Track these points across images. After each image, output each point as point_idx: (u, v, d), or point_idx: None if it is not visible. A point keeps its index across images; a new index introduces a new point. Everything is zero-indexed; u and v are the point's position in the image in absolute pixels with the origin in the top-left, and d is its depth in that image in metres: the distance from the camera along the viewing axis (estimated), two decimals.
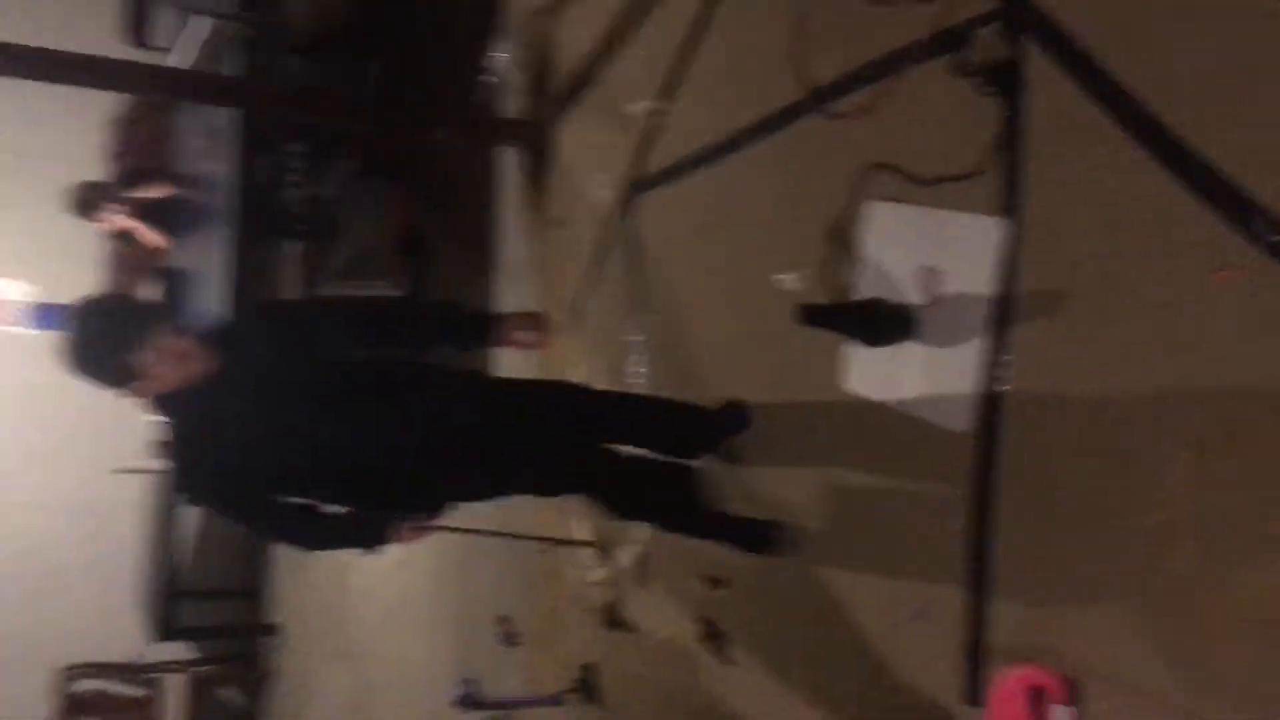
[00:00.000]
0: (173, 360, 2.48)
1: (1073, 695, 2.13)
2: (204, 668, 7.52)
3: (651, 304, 3.63)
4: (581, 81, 4.07)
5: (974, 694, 2.36)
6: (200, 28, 5.16)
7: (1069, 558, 2.17)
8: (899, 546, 2.60)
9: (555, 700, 3.84)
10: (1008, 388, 2.33)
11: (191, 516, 7.91)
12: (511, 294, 4.60)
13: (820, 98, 2.85)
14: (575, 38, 4.14)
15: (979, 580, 2.37)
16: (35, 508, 8.23)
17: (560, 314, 4.13)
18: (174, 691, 7.37)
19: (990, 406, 2.36)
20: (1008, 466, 2.33)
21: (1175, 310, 2.00)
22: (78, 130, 7.75)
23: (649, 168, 3.65)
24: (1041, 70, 2.29)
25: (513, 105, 4.57)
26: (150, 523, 7.64)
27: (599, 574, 3.79)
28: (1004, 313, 2.34)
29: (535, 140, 4.34)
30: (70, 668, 7.30)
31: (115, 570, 8.09)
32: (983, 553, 2.36)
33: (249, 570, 8.24)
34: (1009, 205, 2.35)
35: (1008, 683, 2.26)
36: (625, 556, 3.65)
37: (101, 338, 2.47)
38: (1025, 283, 2.31)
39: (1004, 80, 2.37)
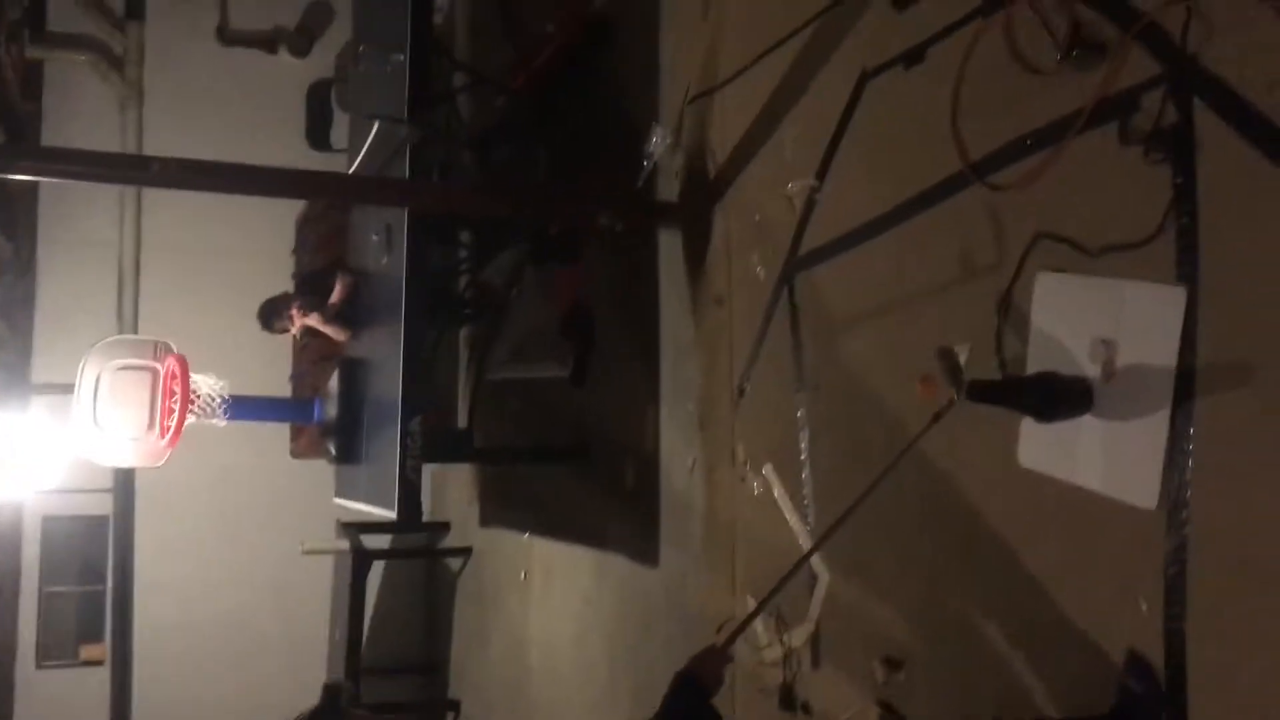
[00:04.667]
0: None
1: None
2: None
3: (815, 381, 3.61)
4: (737, 162, 4.13)
5: None
6: (375, 130, 5.45)
7: (1272, 640, 2.05)
8: (1086, 629, 2.49)
9: None
10: (1194, 461, 2.23)
11: (374, 594, 8.19)
12: (675, 372, 4.65)
13: (981, 169, 2.82)
14: (730, 120, 4.21)
15: (1175, 664, 2.25)
16: (235, 584, 8.69)
17: (724, 391, 4.16)
18: None
19: (1177, 481, 2.26)
20: (1199, 543, 2.22)
21: None
22: (263, 229, 8.29)
23: (807, 245, 3.66)
24: (1212, 132, 2.22)
25: (671, 188, 4.66)
26: (336, 601, 7.95)
27: (773, 653, 3.74)
28: (1186, 384, 2.25)
29: (693, 221, 4.41)
30: None
31: (305, 645, 8.44)
32: (1178, 637, 2.25)
33: (430, 647, 8.45)
34: (1185, 272, 2.26)
35: None
36: (798, 636, 3.60)
37: None
38: (1206, 353, 2.22)
39: (1174, 144, 2.30)
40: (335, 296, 5.85)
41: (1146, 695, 2.31)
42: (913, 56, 3.13)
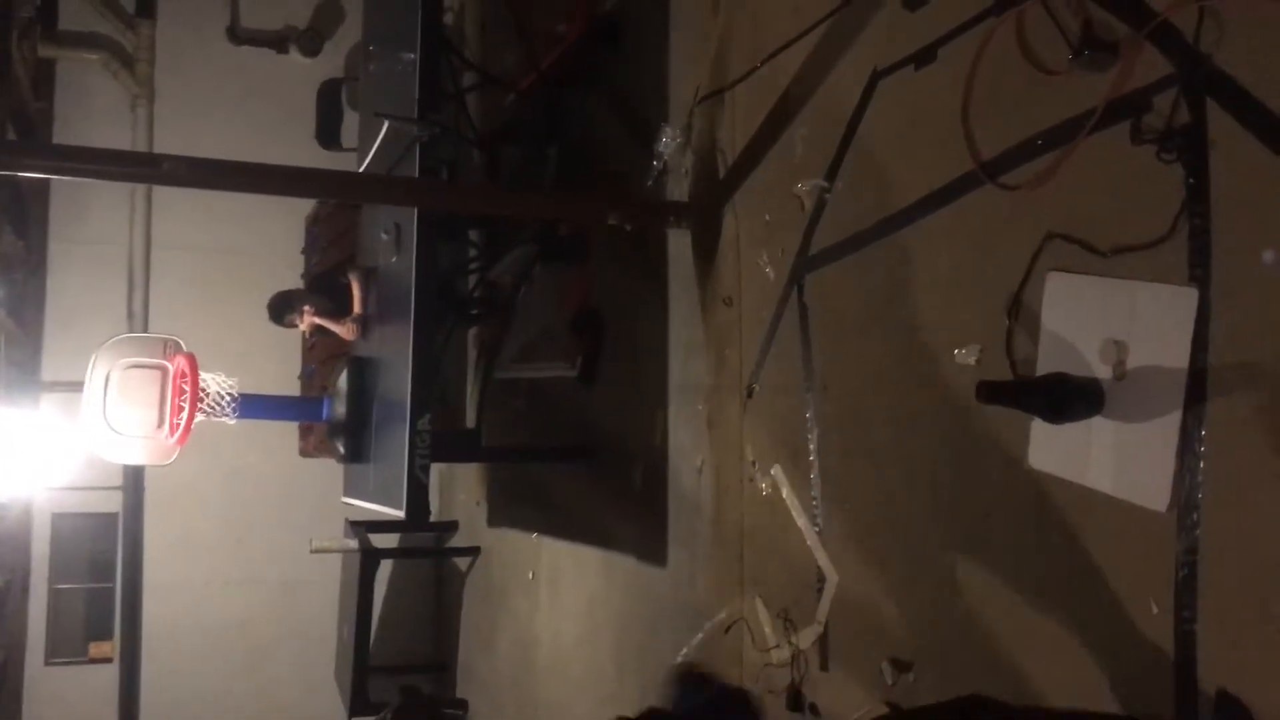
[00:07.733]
0: None
1: None
2: None
3: (824, 381, 3.61)
4: (747, 162, 4.12)
5: None
6: (385, 130, 5.45)
7: None
8: (1096, 631, 2.49)
9: None
10: (1205, 463, 2.22)
11: (382, 593, 8.20)
12: (684, 372, 4.65)
13: (992, 169, 2.81)
14: (740, 120, 4.20)
15: (1187, 667, 2.24)
16: (243, 583, 8.69)
17: (733, 391, 4.15)
18: None
19: (1188, 484, 2.25)
20: (1210, 545, 2.21)
21: None
22: (274, 228, 8.30)
23: (817, 245, 3.65)
24: (1225, 132, 2.21)
25: (681, 187, 4.66)
26: (344, 599, 7.95)
27: (780, 655, 3.74)
28: (1197, 386, 2.24)
29: (703, 221, 4.41)
30: None
31: (313, 643, 8.45)
32: (1189, 639, 2.24)
33: (438, 646, 8.45)
34: (1197, 273, 2.25)
35: None
36: (806, 638, 3.60)
37: None
38: (1218, 354, 2.21)
39: (1186, 144, 2.29)
40: (358, 306, 5.86)
41: None
42: (924, 56, 3.12)
